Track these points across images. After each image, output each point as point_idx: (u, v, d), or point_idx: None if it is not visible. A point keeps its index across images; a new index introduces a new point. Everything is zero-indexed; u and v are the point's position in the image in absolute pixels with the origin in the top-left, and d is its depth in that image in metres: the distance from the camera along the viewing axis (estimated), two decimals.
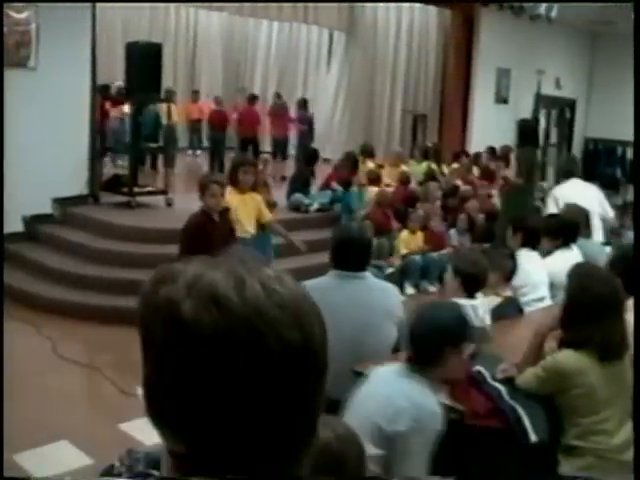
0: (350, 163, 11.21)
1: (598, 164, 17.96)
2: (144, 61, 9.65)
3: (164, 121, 12.83)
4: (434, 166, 12.58)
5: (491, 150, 13.88)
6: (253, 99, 16.02)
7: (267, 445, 0.97)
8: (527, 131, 9.08)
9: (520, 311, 5.26)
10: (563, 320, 3.53)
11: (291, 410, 0.97)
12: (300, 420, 0.99)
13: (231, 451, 0.96)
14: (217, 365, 0.94)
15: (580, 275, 3.61)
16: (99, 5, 10.05)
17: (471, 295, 4.69)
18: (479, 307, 4.77)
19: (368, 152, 12.42)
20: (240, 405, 0.94)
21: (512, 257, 5.53)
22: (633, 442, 3.24)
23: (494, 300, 5.09)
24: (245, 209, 6.70)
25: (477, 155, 13.68)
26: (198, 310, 0.94)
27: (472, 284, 4.75)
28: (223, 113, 16.22)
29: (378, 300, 4.45)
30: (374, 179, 11.02)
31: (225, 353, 0.93)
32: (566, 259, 6.10)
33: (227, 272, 0.98)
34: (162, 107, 13.16)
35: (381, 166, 12.59)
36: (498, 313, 5.00)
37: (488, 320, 4.77)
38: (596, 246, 6.86)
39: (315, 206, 10.43)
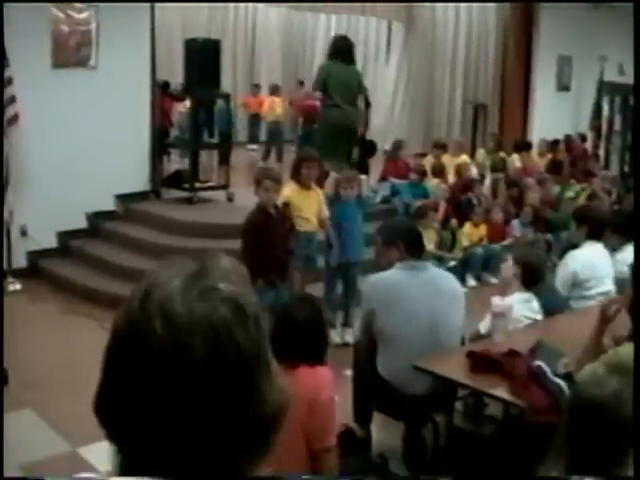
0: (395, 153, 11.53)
1: None
2: (203, 57, 9.73)
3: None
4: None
5: (555, 142, 13.61)
6: None
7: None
8: None
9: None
10: None
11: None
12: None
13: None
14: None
15: None
16: (158, 4, 10.14)
17: (529, 287, 4.69)
18: (534, 300, 4.75)
19: (441, 146, 12.16)
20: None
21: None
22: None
23: None
24: (308, 204, 6.66)
25: (545, 143, 13.49)
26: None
27: (531, 275, 4.77)
28: (314, 106, 16.30)
29: (446, 285, 4.56)
30: (438, 172, 10.93)
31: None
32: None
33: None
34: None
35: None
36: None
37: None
38: None
39: (378, 199, 10.37)
